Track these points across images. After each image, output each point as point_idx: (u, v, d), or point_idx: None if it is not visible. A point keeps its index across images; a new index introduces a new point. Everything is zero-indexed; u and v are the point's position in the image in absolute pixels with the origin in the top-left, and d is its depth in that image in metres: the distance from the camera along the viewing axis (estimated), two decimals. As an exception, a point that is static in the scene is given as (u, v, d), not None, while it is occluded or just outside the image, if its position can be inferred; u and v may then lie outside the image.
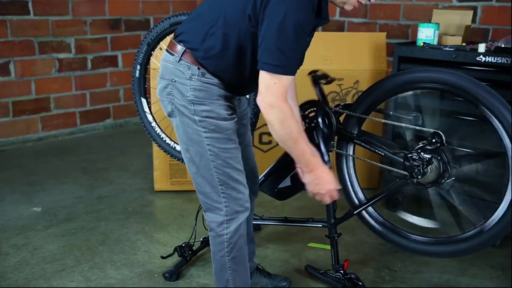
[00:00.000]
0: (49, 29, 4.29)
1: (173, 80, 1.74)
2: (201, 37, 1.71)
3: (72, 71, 4.51)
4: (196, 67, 1.72)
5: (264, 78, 1.63)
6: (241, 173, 1.83)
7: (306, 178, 1.85)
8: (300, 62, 1.76)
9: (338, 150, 2.18)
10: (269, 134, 3.25)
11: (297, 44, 1.62)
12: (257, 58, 1.64)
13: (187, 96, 1.72)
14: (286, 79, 1.63)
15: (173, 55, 1.76)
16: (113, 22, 4.68)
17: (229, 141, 1.78)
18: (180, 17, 2.34)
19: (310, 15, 1.62)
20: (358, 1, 1.74)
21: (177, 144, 2.49)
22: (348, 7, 1.76)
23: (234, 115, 1.79)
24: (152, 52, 2.50)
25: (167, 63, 1.78)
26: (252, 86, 1.92)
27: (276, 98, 1.63)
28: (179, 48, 1.74)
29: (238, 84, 1.80)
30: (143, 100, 2.54)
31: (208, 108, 1.73)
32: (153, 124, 2.54)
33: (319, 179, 1.82)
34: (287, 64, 1.62)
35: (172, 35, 2.37)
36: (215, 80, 1.74)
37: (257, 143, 3.31)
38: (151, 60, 2.53)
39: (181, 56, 1.73)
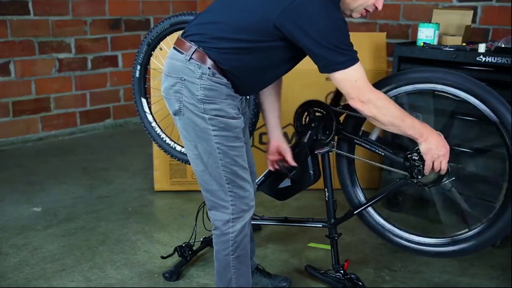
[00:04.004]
0: (49, 29, 4.30)
1: (182, 79, 1.74)
2: (217, 40, 1.72)
3: (72, 71, 4.52)
4: (207, 67, 1.72)
5: (341, 80, 1.70)
6: (247, 171, 1.85)
7: (424, 148, 1.83)
8: None
9: (338, 150, 2.18)
10: (269, 134, 3.28)
11: (348, 34, 1.68)
12: (321, 66, 1.69)
13: (197, 95, 1.72)
14: (359, 67, 1.69)
15: (182, 53, 1.75)
16: (113, 22, 4.68)
17: (236, 139, 1.79)
18: (180, 17, 2.34)
19: (340, 13, 1.72)
20: (365, 9, 1.78)
21: (178, 144, 2.49)
22: (355, 15, 1.81)
23: (240, 114, 1.81)
24: (152, 52, 2.49)
25: (175, 61, 1.77)
26: (258, 88, 1.94)
27: (366, 91, 1.71)
28: (190, 46, 1.74)
29: (246, 85, 1.82)
30: (143, 100, 2.54)
31: (218, 107, 1.73)
32: (153, 124, 2.54)
33: (435, 144, 1.81)
34: (352, 54, 1.68)
35: (173, 34, 2.41)
36: (224, 80, 1.74)
37: (257, 143, 3.31)
38: (151, 60, 2.52)
39: (191, 55, 1.73)
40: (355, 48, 1.70)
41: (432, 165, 1.85)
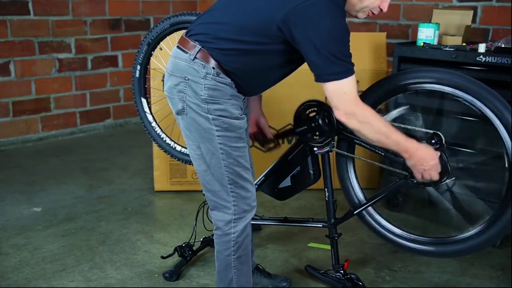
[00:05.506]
0: (49, 29, 4.30)
1: (187, 78, 1.73)
2: (220, 40, 1.71)
3: (72, 71, 4.52)
4: (211, 66, 1.71)
5: (332, 91, 1.68)
6: (250, 172, 1.85)
7: (409, 163, 1.86)
8: None
9: (338, 150, 2.18)
10: (269, 134, 3.27)
11: (348, 46, 1.67)
12: (315, 74, 1.68)
13: (201, 95, 1.72)
14: (352, 80, 1.68)
15: (186, 52, 1.74)
16: (113, 22, 4.68)
17: (240, 140, 1.79)
18: (181, 17, 2.34)
19: (345, 22, 1.69)
20: (370, 11, 1.78)
21: (178, 144, 2.49)
22: (361, 16, 1.81)
23: (243, 115, 1.81)
24: (152, 52, 2.49)
25: (179, 60, 1.76)
26: (261, 89, 1.94)
27: (352, 104, 1.70)
28: (194, 46, 1.73)
29: (249, 86, 1.81)
30: (143, 100, 2.54)
31: (221, 107, 1.73)
32: (153, 124, 2.54)
33: (422, 159, 1.83)
34: (349, 66, 1.67)
35: (173, 34, 2.41)
36: (228, 80, 1.74)
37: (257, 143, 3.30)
38: (151, 60, 2.52)
39: (196, 55, 1.72)
40: (355, 48, 1.69)
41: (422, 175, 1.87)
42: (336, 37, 1.63)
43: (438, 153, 1.86)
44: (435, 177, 1.87)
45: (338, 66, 1.64)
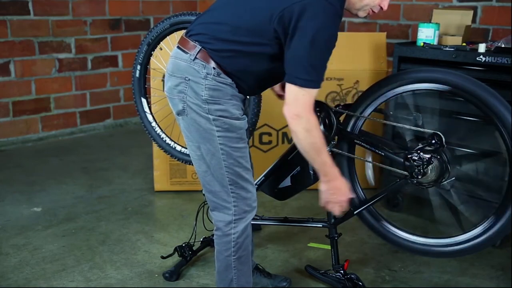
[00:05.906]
0: (49, 29, 4.30)
1: (187, 79, 1.73)
2: (221, 41, 1.71)
3: (72, 71, 4.52)
4: (212, 67, 1.71)
5: (293, 90, 1.66)
6: (250, 172, 1.85)
7: (322, 187, 1.87)
8: None
9: (338, 150, 2.18)
10: (269, 134, 3.29)
11: (328, 58, 1.66)
12: (286, 71, 1.66)
13: (202, 96, 1.71)
14: (314, 92, 1.67)
15: (187, 53, 1.74)
16: (113, 22, 4.68)
17: (240, 140, 1.78)
18: (181, 17, 2.34)
19: (338, 27, 1.67)
20: (371, 9, 1.78)
21: (178, 144, 2.49)
22: (361, 14, 1.80)
23: (244, 115, 1.80)
24: (152, 52, 2.49)
25: (179, 60, 1.76)
26: (262, 89, 1.94)
27: (304, 108, 1.67)
28: (195, 46, 1.73)
29: (250, 86, 1.81)
30: (143, 100, 2.54)
31: (222, 108, 1.73)
32: (153, 124, 2.54)
33: (335, 189, 1.85)
34: (319, 78, 1.65)
35: (172, 34, 2.41)
36: (229, 80, 1.74)
37: (257, 143, 3.31)
38: (151, 60, 2.52)
39: (196, 55, 1.72)
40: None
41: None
42: (320, 43, 1.60)
43: (351, 196, 1.91)
44: (337, 212, 1.93)
45: (308, 73, 1.63)
